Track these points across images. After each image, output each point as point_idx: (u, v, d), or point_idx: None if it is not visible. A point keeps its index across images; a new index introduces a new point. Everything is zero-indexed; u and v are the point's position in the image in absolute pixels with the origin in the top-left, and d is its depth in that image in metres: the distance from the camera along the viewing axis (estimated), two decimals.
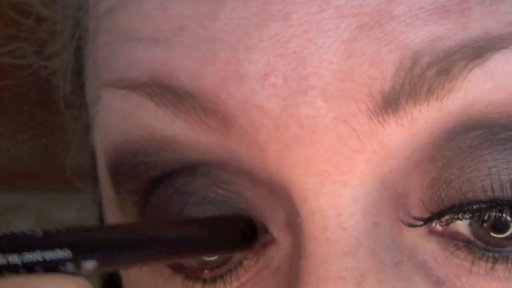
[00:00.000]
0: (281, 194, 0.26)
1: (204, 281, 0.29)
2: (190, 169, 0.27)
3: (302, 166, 0.25)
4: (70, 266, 0.23)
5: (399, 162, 0.26)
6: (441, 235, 0.27)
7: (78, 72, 0.35)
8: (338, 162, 0.25)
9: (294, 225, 0.26)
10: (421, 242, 0.27)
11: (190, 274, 0.29)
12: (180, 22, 0.26)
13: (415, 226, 0.27)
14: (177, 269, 0.30)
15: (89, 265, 0.24)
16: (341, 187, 0.25)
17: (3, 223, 3.01)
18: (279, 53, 0.25)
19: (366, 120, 0.25)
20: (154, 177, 0.28)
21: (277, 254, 0.28)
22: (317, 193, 0.25)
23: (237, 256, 0.28)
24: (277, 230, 0.27)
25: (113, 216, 0.32)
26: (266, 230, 0.28)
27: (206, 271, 0.29)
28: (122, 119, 0.28)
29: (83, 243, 0.24)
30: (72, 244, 0.23)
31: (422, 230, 0.27)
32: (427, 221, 0.27)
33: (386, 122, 0.25)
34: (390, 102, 0.25)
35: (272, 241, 0.28)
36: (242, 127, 0.26)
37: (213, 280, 0.29)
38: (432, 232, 0.27)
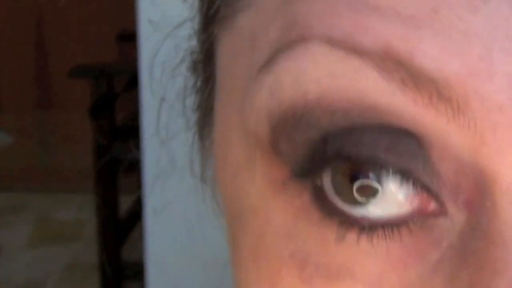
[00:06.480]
0: (471, 175, 0.27)
1: (362, 228, 0.27)
2: (381, 130, 0.27)
3: None
4: None
5: None
6: None
7: None
8: None
9: (478, 207, 0.27)
10: None
11: (346, 219, 0.27)
12: (433, 4, 0.26)
13: None
14: (331, 212, 0.28)
15: None
16: None
17: (3, 223, 3.00)
18: None
19: None
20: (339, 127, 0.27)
21: (445, 226, 0.28)
22: None
23: (400, 214, 0.28)
24: (452, 204, 0.27)
25: (250, 156, 0.29)
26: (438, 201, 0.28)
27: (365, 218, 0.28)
28: (329, 76, 0.27)
29: None
30: None
31: None
32: None
33: None
34: None
35: (443, 212, 0.28)
36: (475, 120, 0.26)
37: (373, 229, 0.27)
38: None
